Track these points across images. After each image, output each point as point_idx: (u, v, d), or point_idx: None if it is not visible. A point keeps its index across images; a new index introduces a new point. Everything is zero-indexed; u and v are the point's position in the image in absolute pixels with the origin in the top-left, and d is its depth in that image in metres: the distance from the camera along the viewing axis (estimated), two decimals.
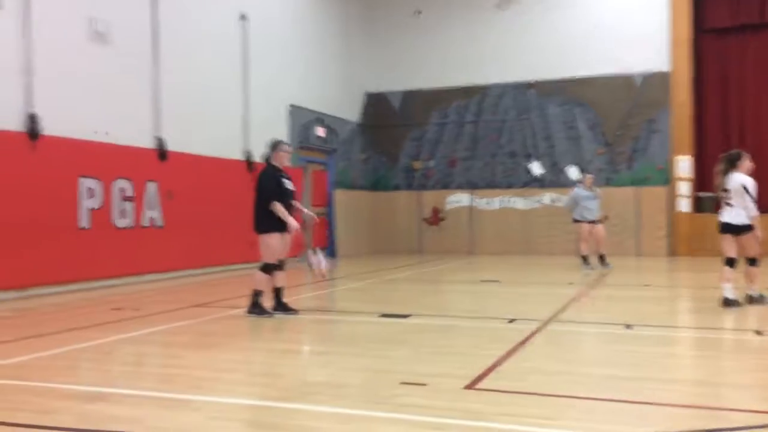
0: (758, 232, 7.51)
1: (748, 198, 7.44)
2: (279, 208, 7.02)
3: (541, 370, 4.72)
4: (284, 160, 7.27)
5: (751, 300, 7.76)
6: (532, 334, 6.01)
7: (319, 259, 7.87)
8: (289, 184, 7.22)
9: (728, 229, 7.64)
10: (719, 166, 7.86)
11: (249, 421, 3.68)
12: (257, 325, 6.73)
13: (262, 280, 7.12)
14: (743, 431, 3.36)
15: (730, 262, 7.64)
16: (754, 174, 7.84)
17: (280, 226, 7.07)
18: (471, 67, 17.78)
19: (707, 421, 3.52)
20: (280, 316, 7.13)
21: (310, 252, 7.96)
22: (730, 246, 7.65)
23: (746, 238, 7.53)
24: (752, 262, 7.69)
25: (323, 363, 5.12)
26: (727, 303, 7.52)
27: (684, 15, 16.06)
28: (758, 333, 6.03)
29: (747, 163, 7.70)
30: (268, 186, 7.10)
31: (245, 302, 7.51)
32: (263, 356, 5.31)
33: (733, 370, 4.72)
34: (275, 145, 7.30)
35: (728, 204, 7.63)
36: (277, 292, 7.28)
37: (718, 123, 16.85)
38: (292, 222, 7.10)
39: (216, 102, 12.76)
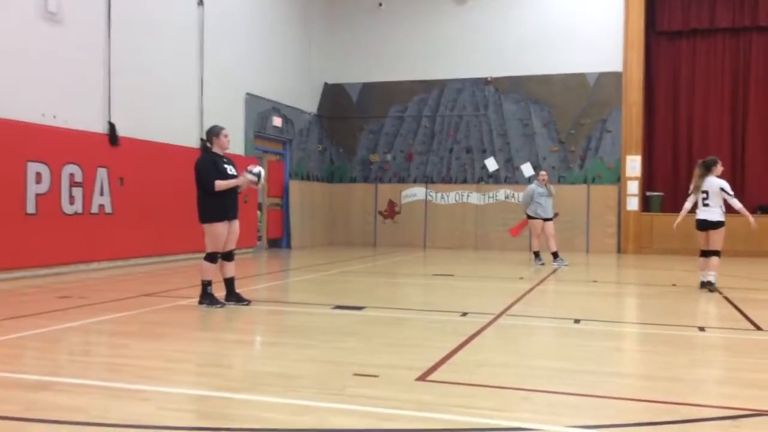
0: (750, 218, 8.91)
1: (728, 197, 8.69)
2: (221, 183, 6.93)
3: (493, 363, 4.78)
4: (225, 145, 7.14)
5: (705, 285, 8.93)
6: (484, 327, 6.09)
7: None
8: (231, 170, 7.11)
9: (705, 225, 8.84)
10: (696, 171, 9.04)
11: (200, 412, 3.64)
12: (208, 316, 6.65)
13: (208, 270, 7.04)
14: (690, 424, 3.47)
15: (706, 254, 8.91)
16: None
17: (224, 215, 6.99)
18: (430, 61, 17.85)
19: (654, 414, 3.62)
20: (232, 306, 7.06)
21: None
22: (705, 240, 8.88)
23: (717, 232, 8.79)
24: (716, 253, 8.86)
25: (275, 354, 5.09)
26: (703, 285, 8.88)
27: (637, 17, 16.41)
28: (701, 329, 6.23)
29: (720, 167, 8.92)
30: (205, 171, 6.96)
31: (196, 292, 7.41)
32: (214, 347, 5.25)
33: (679, 364, 4.86)
34: (214, 131, 7.14)
35: (705, 204, 8.83)
36: (228, 282, 7.20)
37: (668, 124, 17.31)
38: (241, 179, 7.02)
39: (171, 88, 12.53)
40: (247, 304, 7.12)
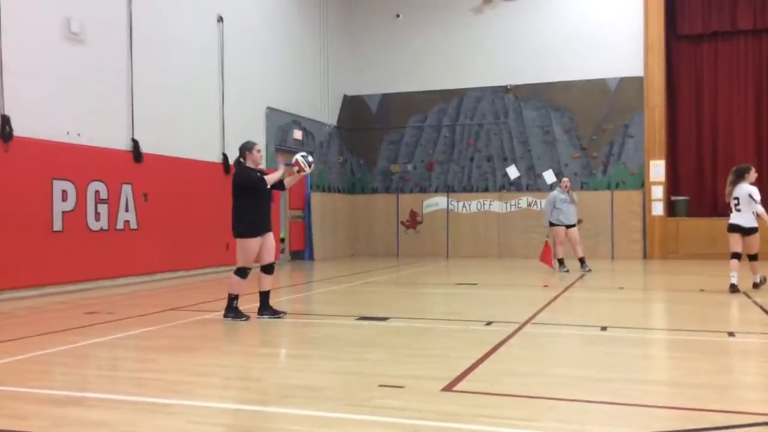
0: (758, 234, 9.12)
1: (753, 202, 9.01)
2: (271, 177, 7.05)
3: (518, 372, 4.74)
4: (258, 160, 7.17)
5: (756, 286, 9.28)
6: (509, 336, 6.04)
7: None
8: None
9: (736, 229, 9.21)
10: (729, 177, 9.41)
11: (227, 425, 3.65)
12: (233, 329, 6.69)
13: (237, 284, 7.07)
14: (724, 431, 3.41)
15: (737, 256, 9.17)
16: (725, 177, 9.48)
17: (258, 230, 7.00)
18: (449, 71, 17.87)
19: (684, 422, 3.56)
20: (266, 319, 7.06)
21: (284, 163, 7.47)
22: (736, 243, 9.21)
23: (752, 238, 9.17)
24: (753, 257, 9.31)
25: (301, 366, 5.10)
26: (733, 289, 9.02)
27: (657, 21, 16.30)
28: (731, 335, 6.13)
29: (753, 175, 9.25)
30: (246, 177, 6.98)
31: (221, 306, 7.46)
32: (240, 360, 5.27)
33: (708, 371, 4.78)
34: (248, 146, 7.17)
35: (737, 209, 9.21)
36: (263, 296, 7.20)
37: (691, 127, 17.13)
38: (282, 169, 7.14)
39: (192, 104, 12.68)
40: (280, 317, 7.13)
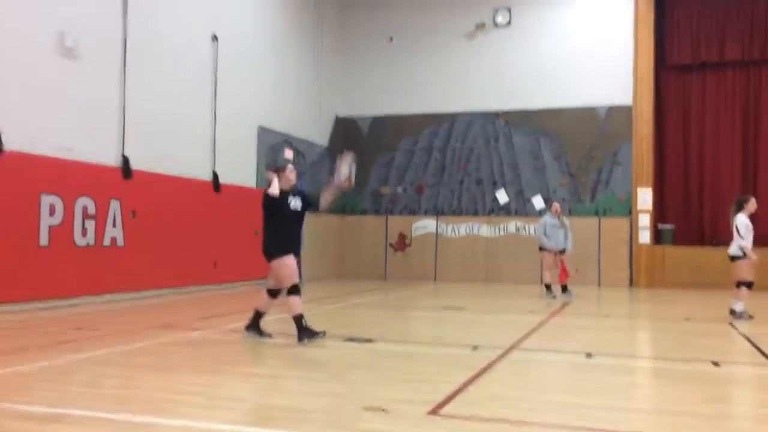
0: (751, 258, 9.45)
1: (737, 236, 9.46)
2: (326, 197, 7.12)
3: (504, 397, 4.74)
4: (291, 179, 7.04)
5: (731, 312, 9.56)
6: (495, 361, 6.04)
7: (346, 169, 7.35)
8: (294, 203, 6.98)
9: (730, 258, 9.65)
10: (731, 208, 9.81)
11: None
12: (219, 349, 6.64)
13: (297, 304, 6.79)
14: None
15: (739, 284, 9.56)
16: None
17: (288, 247, 6.84)
18: (440, 94, 18.00)
19: None
20: (249, 336, 7.00)
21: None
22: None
23: (734, 265, 9.63)
24: (738, 284, 9.57)
25: (286, 387, 5.08)
26: (734, 314, 9.50)
27: (647, 51, 16.53)
28: (715, 364, 6.16)
29: (751, 205, 9.59)
30: (263, 200, 6.88)
31: (206, 324, 7.41)
32: (225, 380, 5.23)
33: (693, 400, 4.80)
34: (281, 167, 7.08)
35: (733, 238, 9.60)
36: (256, 315, 7.08)
37: (679, 156, 17.31)
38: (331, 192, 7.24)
39: (184, 121, 12.69)
40: (269, 337, 7.04)
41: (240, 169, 14.35)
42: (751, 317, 9.48)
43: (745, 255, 9.47)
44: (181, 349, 6.56)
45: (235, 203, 13.81)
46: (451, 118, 17.96)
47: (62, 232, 9.93)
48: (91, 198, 10.44)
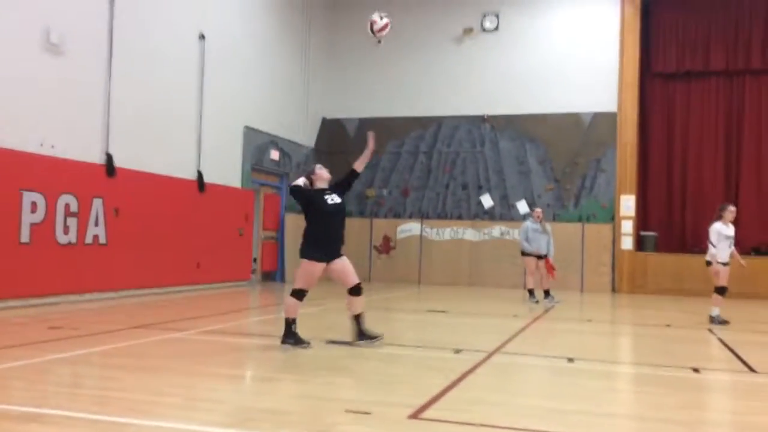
0: (715, 268, 9.68)
1: (710, 243, 9.69)
2: (359, 164, 7.06)
3: (486, 401, 4.74)
4: (324, 176, 6.95)
5: (711, 320, 9.75)
6: (478, 365, 6.05)
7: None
8: (331, 199, 6.78)
9: (706, 264, 9.89)
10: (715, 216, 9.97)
11: None
12: (200, 350, 6.60)
13: (291, 306, 6.62)
14: None
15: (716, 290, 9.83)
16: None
17: (322, 256, 6.61)
18: (427, 98, 18.04)
19: None
20: (363, 344, 6.75)
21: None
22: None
23: (708, 270, 9.89)
24: (714, 290, 9.82)
25: (266, 389, 5.05)
26: (711, 320, 9.75)
27: (632, 59, 16.66)
28: (695, 371, 6.20)
29: (728, 213, 9.76)
30: (299, 199, 6.75)
31: (189, 325, 7.35)
32: (205, 381, 5.19)
33: (672, 406, 4.83)
34: (309, 170, 7.00)
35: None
36: (356, 319, 6.86)
37: (662, 164, 17.46)
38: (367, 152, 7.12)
39: (169, 120, 12.62)
40: (377, 341, 6.77)
41: (225, 169, 14.29)
42: (725, 322, 9.57)
43: (719, 262, 9.66)
44: (161, 349, 6.51)
45: (219, 203, 13.75)
46: (438, 122, 17.99)
47: (44, 229, 9.83)
48: (73, 195, 10.35)
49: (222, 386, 5.09)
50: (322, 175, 6.94)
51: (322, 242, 6.66)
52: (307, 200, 6.73)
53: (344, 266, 6.78)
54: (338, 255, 6.76)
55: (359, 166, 7.15)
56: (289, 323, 6.66)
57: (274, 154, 16.24)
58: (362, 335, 6.83)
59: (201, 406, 4.41)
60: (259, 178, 15.78)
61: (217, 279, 13.70)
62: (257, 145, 15.53)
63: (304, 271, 6.64)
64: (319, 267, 6.64)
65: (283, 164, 16.69)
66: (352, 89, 18.61)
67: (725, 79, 17.14)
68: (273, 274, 16.33)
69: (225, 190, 14.08)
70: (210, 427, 3.87)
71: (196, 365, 5.84)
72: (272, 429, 3.86)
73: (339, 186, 6.99)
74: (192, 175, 13.20)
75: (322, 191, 6.83)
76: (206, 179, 13.43)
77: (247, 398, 4.78)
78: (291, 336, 6.65)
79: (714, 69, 17.00)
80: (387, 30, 7.42)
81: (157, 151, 12.23)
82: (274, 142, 16.23)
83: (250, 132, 15.21)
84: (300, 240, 6.84)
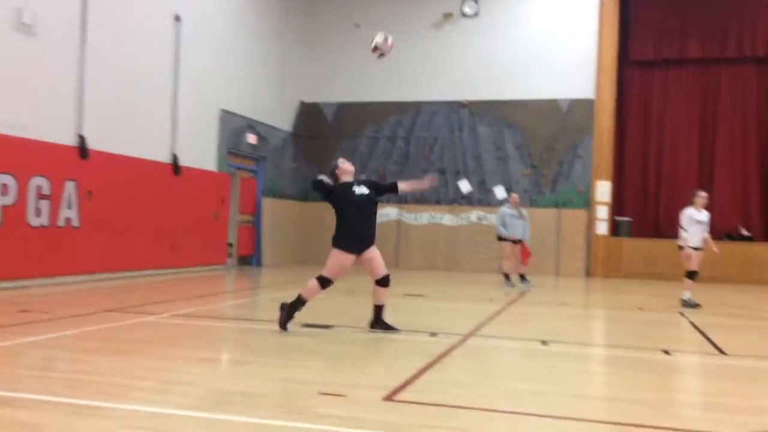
0: (686, 252, 9.98)
1: (680, 227, 9.98)
2: (404, 186, 7.06)
3: (460, 384, 4.77)
4: (348, 169, 6.88)
5: (683, 303, 9.94)
6: (453, 348, 6.08)
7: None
8: (359, 190, 6.73)
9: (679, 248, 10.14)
10: None
11: (159, 430, 3.57)
12: (174, 334, 6.55)
13: (311, 290, 6.62)
14: None
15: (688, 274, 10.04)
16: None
17: (349, 247, 6.59)
18: (407, 83, 17.98)
19: None
20: (379, 333, 6.74)
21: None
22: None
23: (680, 255, 10.10)
24: (685, 274, 10.04)
25: (240, 372, 5.03)
26: (682, 303, 9.98)
27: (610, 46, 16.74)
28: (666, 353, 6.30)
29: (698, 199, 10.03)
30: (322, 191, 6.73)
31: (162, 309, 7.28)
32: (178, 364, 5.16)
33: (643, 387, 4.90)
34: (332, 166, 6.95)
35: None
36: (377, 309, 6.87)
37: (639, 151, 17.63)
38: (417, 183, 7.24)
39: (144, 102, 12.44)
40: (396, 332, 6.75)
41: (201, 153, 14.15)
42: (696, 306, 9.73)
43: (690, 246, 9.94)
44: (134, 333, 6.45)
45: (194, 187, 13.63)
46: (416, 107, 17.96)
47: (15, 211, 9.67)
48: (45, 178, 10.18)
49: (196, 369, 5.05)
50: (346, 168, 6.88)
51: (352, 234, 6.64)
52: (330, 192, 6.72)
53: (374, 257, 6.78)
54: (369, 246, 6.74)
55: (404, 186, 7.14)
56: (298, 303, 6.63)
57: (251, 138, 16.11)
58: (379, 323, 6.83)
59: (174, 389, 4.38)
60: (235, 162, 15.65)
61: (192, 263, 13.60)
62: (233, 128, 15.39)
63: (335, 260, 6.61)
64: (349, 258, 6.62)
65: (260, 148, 16.57)
66: (331, 73, 18.49)
67: (701, 68, 17.30)
68: (249, 259, 16.26)
69: (200, 174, 13.95)
70: (183, 411, 3.84)
71: (169, 349, 5.80)
72: (246, 412, 3.85)
73: (373, 185, 6.94)
74: (167, 158, 13.05)
75: (350, 184, 6.78)
76: (181, 162, 13.29)
77: (221, 381, 4.75)
78: (288, 313, 6.64)
79: (690, 57, 17.15)
80: (391, 47, 7.56)
81: (132, 133, 12.07)
82: (251, 125, 16.09)
83: (226, 115, 15.06)
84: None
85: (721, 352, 6.47)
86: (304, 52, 18.44)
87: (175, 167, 13.11)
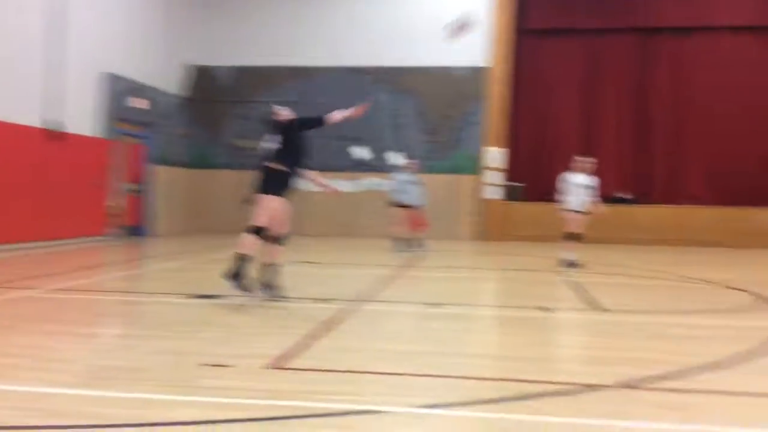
0: (565, 214, 10.63)
1: (559, 191, 10.67)
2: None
3: (350, 348, 4.80)
4: (285, 113, 7.11)
5: (565, 263, 10.37)
6: (344, 314, 6.10)
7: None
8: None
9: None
10: None
11: (38, 409, 3.37)
12: (51, 308, 6.23)
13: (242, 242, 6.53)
14: (531, 400, 3.64)
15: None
16: (559, 165, 9.98)
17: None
18: (305, 48, 17.66)
19: (502, 392, 3.77)
20: (272, 301, 6.60)
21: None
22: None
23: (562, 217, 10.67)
24: (564, 235, 10.63)
25: (124, 346, 4.85)
26: (564, 263, 10.37)
27: (505, 14, 17.07)
28: (547, 310, 6.58)
29: (576, 164, 10.74)
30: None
31: (44, 283, 6.90)
32: (56, 341, 4.91)
33: (523, 344, 5.10)
34: (269, 116, 6.98)
35: None
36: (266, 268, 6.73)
37: (531, 118, 18.19)
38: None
39: (23, 65, 11.59)
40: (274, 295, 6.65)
41: (82, 117, 13.38)
42: (578, 265, 10.23)
43: (570, 209, 10.54)
44: (9, 309, 6.08)
45: (73, 154, 12.89)
46: (315, 72, 17.70)
47: None
48: None
49: (75, 346, 4.83)
50: (283, 113, 7.02)
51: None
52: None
53: (272, 205, 6.72)
54: (261, 192, 6.69)
55: (335, 117, 7.16)
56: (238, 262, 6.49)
57: (139, 102, 15.38)
58: (232, 276, 6.66)
59: (51, 366, 4.17)
60: (121, 128, 14.92)
61: (72, 234, 12.91)
62: (120, 92, 14.63)
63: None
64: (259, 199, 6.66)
65: (149, 113, 15.87)
66: (226, 36, 17.87)
67: (592, 37, 17.96)
68: (137, 229, 15.64)
69: (81, 140, 13.21)
70: (59, 388, 3.67)
71: (46, 324, 5.51)
72: (127, 386, 3.72)
73: (300, 122, 7.05)
74: (42, 123, 12.26)
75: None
76: (61, 128, 12.53)
77: (102, 357, 4.56)
78: (235, 275, 6.50)
79: (582, 27, 17.77)
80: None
81: (9, 96, 11.24)
82: (139, 89, 15.36)
83: (112, 78, 14.28)
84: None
85: (600, 308, 6.83)
86: (194, 13, 17.70)
87: (53, 132, 12.34)
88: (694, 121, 17.69)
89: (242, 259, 6.48)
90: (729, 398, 3.78)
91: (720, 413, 3.54)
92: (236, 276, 6.45)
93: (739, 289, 8.28)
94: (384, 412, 3.40)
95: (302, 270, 9.95)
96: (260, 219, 6.56)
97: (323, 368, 4.18)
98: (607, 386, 3.91)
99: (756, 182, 17.05)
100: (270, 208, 6.56)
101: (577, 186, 10.42)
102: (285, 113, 6.86)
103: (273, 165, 6.64)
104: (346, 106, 7.16)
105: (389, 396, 3.68)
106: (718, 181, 17.26)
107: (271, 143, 6.74)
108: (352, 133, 17.63)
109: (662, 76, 17.84)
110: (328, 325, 5.51)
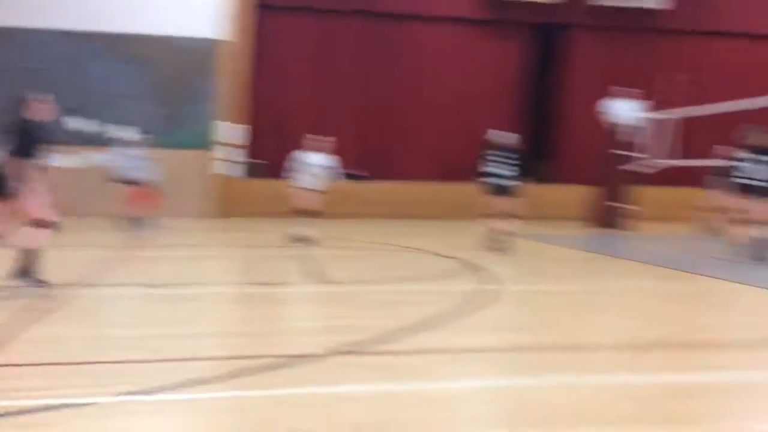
0: (294, 191, 10.71)
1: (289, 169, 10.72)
2: None
3: (60, 338, 4.43)
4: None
5: (296, 238, 10.19)
6: (60, 300, 5.56)
7: None
8: None
9: None
10: None
11: None
12: None
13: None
14: (254, 376, 3.64)
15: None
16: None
17: None
18: (10, 5, 15.65)
19: (229, 369, 3.74)
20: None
21: None
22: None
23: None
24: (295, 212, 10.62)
25: None
26: (296, 238, 10.24)
27: None
28: (278, 285, 6.70)
29: (306, 142, 10.92)
30: None
31: None
32: None
33: (251, 320, 5.15)
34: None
35: None
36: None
37: (272, 96, 18.16)
38: None
39: None
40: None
41: None
42: (309, 240, 10.31)
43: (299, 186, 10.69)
44: None
45: None
46: (24, 35, 15.77)
47: None
48: None
49: None
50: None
51: None
52: None
53: None
54: None
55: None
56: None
57: None
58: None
59: None
60: None
61: None
62: None
63: None
64: None
65: None
66: None
67: (330, 18, 18.34)
68: None
69: None
70: None
71: None
72: None
73: None
74: None
75: None
76: None
77: None
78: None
79: (318, 7, 18.10)
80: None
81: None
82: None
83: None
84: None
85: (324, 280, 7.09)
86: None
87: None
88: (420, 104, 19.10)
89: None
90: (433, 356, 4.17)
91: (424, 370, 3.88)
92: None
93: (449, 257, 9.12)
94: (80, 404, 3.16)
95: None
96: None
97: (21, 363, 3.78)
98: (322, 355, 4.06)
99: (467, 160, 19.04)
100: None
101: (309, 165, 10.66)
102: None
103: None
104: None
105: (91, 387, 3.45)
106: (439, 159, 18.91)
107: None
108: (69, 104, 16.08)
109: (393, 59, 18.94)
110: (39, 315, 4.98)
